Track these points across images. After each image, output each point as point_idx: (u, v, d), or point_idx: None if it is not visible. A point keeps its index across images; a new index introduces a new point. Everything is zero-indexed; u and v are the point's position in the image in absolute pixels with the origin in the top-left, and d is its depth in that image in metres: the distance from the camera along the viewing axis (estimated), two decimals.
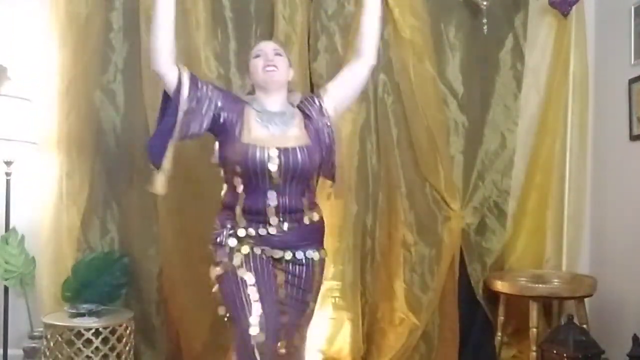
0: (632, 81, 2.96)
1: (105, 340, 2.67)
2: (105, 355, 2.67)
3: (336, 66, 3.07)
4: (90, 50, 3.02)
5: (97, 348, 2.65)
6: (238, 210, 2.08)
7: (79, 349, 2.64)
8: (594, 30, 3.29)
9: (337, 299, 3.09)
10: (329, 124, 2.19)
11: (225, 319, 2.07)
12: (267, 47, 2.21)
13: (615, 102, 3.08)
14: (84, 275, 2.88)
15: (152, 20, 2.06)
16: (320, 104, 2.21)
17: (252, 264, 2.05)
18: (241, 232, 2.07)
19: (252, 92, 2.23)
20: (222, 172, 2.17)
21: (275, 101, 2.17)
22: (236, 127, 2.10)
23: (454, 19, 3.19)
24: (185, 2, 2.99)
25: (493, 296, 3.09)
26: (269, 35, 3.07)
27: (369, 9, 2.24)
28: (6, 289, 2.98)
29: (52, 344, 2.67)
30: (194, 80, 2.07)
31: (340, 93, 2.25)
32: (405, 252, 3.14)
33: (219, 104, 2.10)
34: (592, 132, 3.26)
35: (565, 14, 3.13)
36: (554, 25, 3.22)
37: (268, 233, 2.07)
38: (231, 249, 2.06)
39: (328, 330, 3.08)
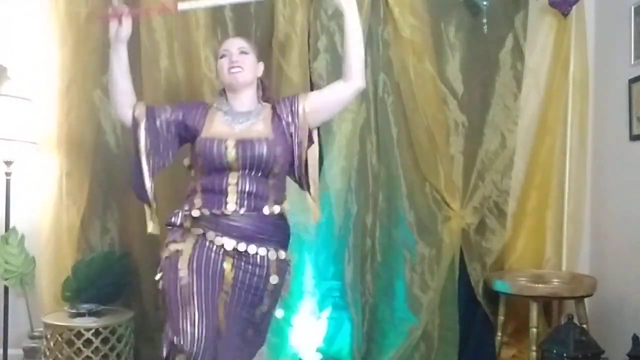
0: (632, 81, 2.96)
1: (105, 340, 2.67)
2: (105, 355, 2.67)
3: (336, 66, 3.09)
4: (90, 50, 3.01)
5: (97, 348, 2.65)
6: (197, 194, 2.07)
7: (79, 349, 2.64)
8: (594, 30, 3.29)
9: (337, 298, 3.10)
10: (296, 125, 2.15)
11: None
12: (232, 46, 2.19)
13: (615, 102, 3.08)
14: (84, 275, 2.88)
15: (109, 75, 2.16)
16: (296, 107, 2.18)
17: (196, 261, 1.98)
18: (195, 213, 2.03)
19: (223, 92, 2.24)
20: (191, 174, 2.18)
21: (243, 100, 2.18)
22: (201, 129, 2.12)
23: (454, 19, 3.19)
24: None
25: (493, 296, 3.09)
26: (269, 35, 3.08)
27: (349, 34, 2.19)
28: (6, 289, 2.98)
29: (52, 344, 2.67)
30: (149, 116, 2.10)
31: (319, 105, 2.21)
32: (405, 252, 3.14)
33: (180, 117, 2.14)
34: (592, 132, 3.26)
35: (565, 14, 3.13)
36: (554, 25, 3.22)
37: (223, 214, 2.00)
38: (183, 230, 2.05)
39: (328, 330, 3.08)
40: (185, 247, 2.02)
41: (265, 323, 2.16)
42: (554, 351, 2.69)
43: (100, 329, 2.67)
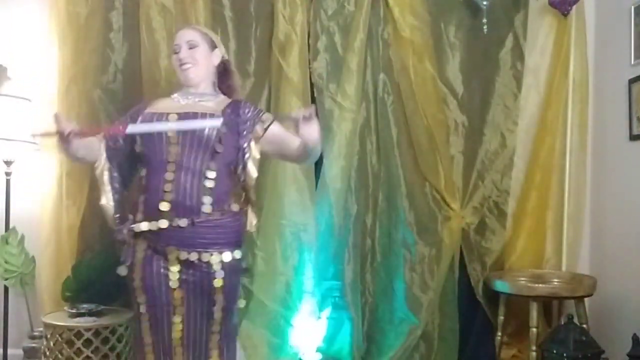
0: (632, 81, 2.96)
1: (105, 340, 2.67)
2: (105, 355, 2.67)
3: (336, 66, 3.09)
4: (90, 50, 3.02)
5: (97, 348, 2.65)
6: (141, 197, 2.02)
7: (79, 349, 2.63)
8: (594, 30, 3.29)
9: (337, 298, 3.10)
10: (248, 129, 2.04)
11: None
12: (182, 39, 2.11)
13: (615, 102, 3.08)
14: (84, 275, 2.88)
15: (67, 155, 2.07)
16: (256, 114, 2.09)
17: (147, 285, 1.98)
18: (137, 228, 1.97)
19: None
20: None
21: (196, 87, 2.12)
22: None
23: (454, 19, 3.19)
24: (185, 2, 3.00)
25: (493, 296, 3.09)
26: (269, 35, 3.08)
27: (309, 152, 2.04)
28: (6, 289, 2.98)
29: (52, 344, 2.67)
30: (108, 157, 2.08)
31: (273, 132, 2.10)
32: (405, 252, 3.14)
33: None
34: (592, 132, 3.26)
35: (565, 14, 3.13)
36: (554, 25, 3.22)
37: (159, 228, 1.94)
38: (133, 248, 2.01)
39: (328, 330, 3.08)
40: (136, 270, 2.01)
41: (227, 325, 2.07)
42: (554, 351, 2.68)
43: (100, 329, 2.66)
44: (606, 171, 3.19)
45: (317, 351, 3.04)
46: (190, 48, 2.10)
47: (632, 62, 2.96)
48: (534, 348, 2.82)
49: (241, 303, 2.16)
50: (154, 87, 2.98)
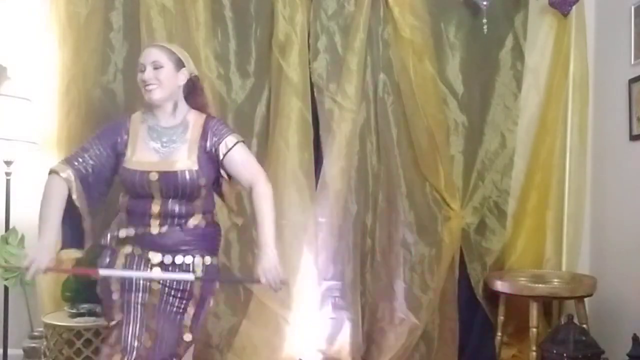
0: (632, 81, 2.96)
1: (105, 340, 2.66)
2: None
3: (336, 66, 3.09)
4: (90, 50, 3.02)
5: (97, 348, 2.64)
6: (124, 216, 2.11)
7: (79, 349, 2.63)
8: (594, 30, 3.29)
9: (337, 298, 3.10)
10: (219, 159, 2.11)
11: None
12: (147, 59, 2.08)
13: (615, 102, 3.08)
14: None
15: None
16: (220, 141, 2.11)
17: (127, 280, 2.04)
18: (122, 234, 2.07)
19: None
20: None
21: (166, 113, 2.12)
22: (124, 152, 2.10)
23: (454, 19, 3.19)
24: (185, 2, 3.00)
25: (493, 296, 3.09)
26: (269, 35, 3.08)
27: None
28: (6, 289, 2.98)
29: (52, 344, 2.67)
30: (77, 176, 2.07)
31: (233, 169, 2.14)
32: (405, 252, 3.14)
33: (107, 150, 2.10)
34: (592, 132, 3.26)
35: (565, 14, 3.14)
36: (554, 25, 3.22)
37: (148, 233, 2.04)
38: (113, 251, 2.09)
39: (328, 330, 3.08)
40: (117, 269, 2.07)
41: (195, 324, 2.11)
42: (554, 351, 2.68)
43: (100, 329, 2.66)
44: (606, 171, 3.19)
45: (317, 351, 3.04)
46: (155, 69, 2.07)
47: (632, 62, 2.96)
48: (534, 348, 2.82)
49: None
50: None
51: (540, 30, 3.25)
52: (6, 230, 2.97)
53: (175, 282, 2.04)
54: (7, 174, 2.97)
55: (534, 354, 2.82)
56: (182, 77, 2.13)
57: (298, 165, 3.04)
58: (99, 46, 3.04)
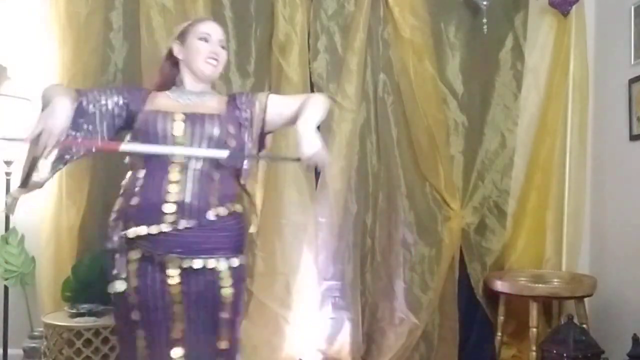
0: (632, 81, 2.96)
1: (105, 340, 2.67)
2: (105, 355, 2.67)
3: (336, 66, 3.09)
4: (90, 50, 3.02)
5: (97, 348, 2.65)
6: (134, 200, 1.82)
7: (79, 349, 2.63)
8: (594, 30, 3.29)
9: (337, 298, 3.10)
10: (250, 120, 1.96)
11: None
12: (215, 34, 2.00)
13: (615, 102, 3.08)
14: (84, 275, 2.88)
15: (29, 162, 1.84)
16: (253, 101, 2.00)
17: (143, 296, 1.78)
18: (131, 234, 1.78)
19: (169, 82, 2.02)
20: (126, 159, 1.96)
21: (198, 84, 2.01)
22: (138, 111, 1.90)
23: (454, 19, 3.19)
24: (185, 2, 3.00)
25: (493, 296, 3.09)
26: (269, 35, 3.08)
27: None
28: (6, 289, 2.98)
29: (52, 344, 2.67)
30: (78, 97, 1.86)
31: (275, 111, 2.00)
32: (405, 252, 3.14)
33: (121, 98, 1.92)
34: (592, 132, 3.26)
35: (565, 14, 3.13)
36: (554, 25, 3.22)
37: (161, 232, 1.77)
38: (126, 259, 1.82)
39: (328, 330, 3.08)
40: (130, 283, 1.82)
41: (232, 332, 1.91)
42: (554, 351, 2.68)
43: (100, 329, 2.66)
44: (606, 171, 3.19)
45: (317, 351, 3.04)
46: (221, 47, 2.01)
47: (632, 62, 2.96)
48: (534, 348, 2.82)
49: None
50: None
51: (540, 30, 3.24)
52: (6, 230, 2.97)
53: (201, 286, 1.80)
54: (7, 174, 2.97)
55: (534, 354, 2.82)
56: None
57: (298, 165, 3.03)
58: (99, 46, 3.04)
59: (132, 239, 1.79)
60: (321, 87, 3.10)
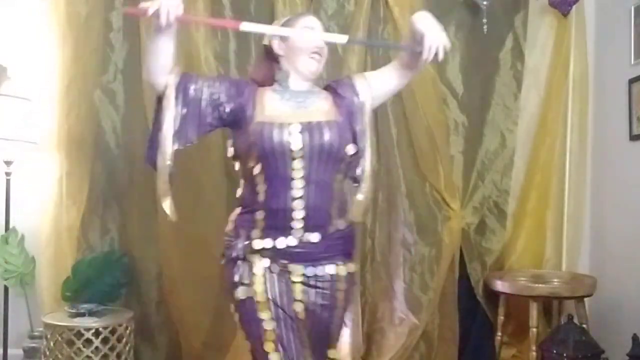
0: (632, 81, 2.96)
1: (105, 340, 2.67)
2: (105, 355, 2.67)
3: (336, 66, 3.09)
4: (90, 50, 3.02)
5: (97, 348, 2.65)
6: (259, 214, 1.77)
7: (79, 349, 2.64)
8: (594, 30, 3.29)
9: None
10: (362, 106, 1.88)
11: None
12: (317, 28, 1.91)
13: (615, 102, 3.08)
14: (84, 275, 2.88)
15: (152, 41, 1.77)
16: (354, 84, 1.92)
17: (273, 302, 1.75)
18: (257, 245, 1.76)
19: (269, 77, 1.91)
20: (237, 167, 1.89)
21: (303, 82, 1.90)
22: (247, 110, 1.80)
23: (454, 19, 3.19)
24: (185, 2, 2.99)
25: (493, 296, 3.09)
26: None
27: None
28: (6, 289, 2.98)
29: (52, 344, 2.67)
30: (182, 84, 1.80)
31: (377, 86, 1.95)
32: (405, 252, 3.14)
33: (220, 98, 1.81)
34: (592, 132, 3.26)
35: (565, 14, 3.14)
36: (554, 25, 3.22)
37: (288, 246, 1.75)
38: (249, 266, 1.77)
39: None
40: (257, 289, 1.76)
41: (338, 334, 1.94)
42: (554, 351, 2.68)
43: (100, 329, 2.67)
44: (606, 171, 3.19)
45: None
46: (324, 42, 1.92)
47: (632, 62, 2.96)
48: (534, 348, 2.82)
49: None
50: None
51: (540, 30, 3.25)
52: (6, 230, 2.97)
53: (321, 291, 1.80)
54: (7, 174, 2.97)
55: (534, 354, 2.82)
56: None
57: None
58: (99, 46, 3.04)
59: (258, 250, 1.77)
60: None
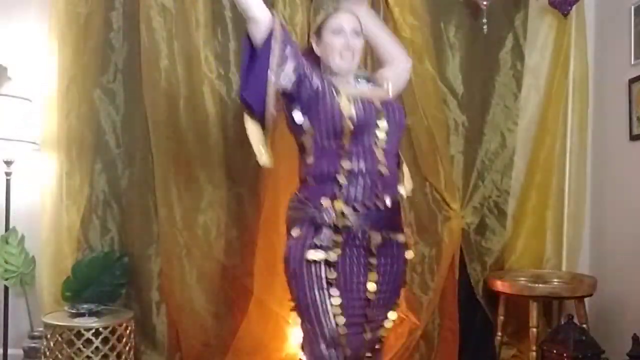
0: (632, 81, 2.96)
1: (105, 340, 2.67)
2: (105, 355, 2.67)
3: None
4: (90, 50, 3.02)
5: (97, 348, 2.65)
6: (341, 178, 1.87)
7: (79, 349, 2.64)
8: (594, 30, 3.29)
9: None
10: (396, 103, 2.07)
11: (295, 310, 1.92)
12: (348, 24, 1.99)
13: (615, 102, 3.08)
14: (84, 275, 2.88)
15: None
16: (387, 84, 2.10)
17: (344, 275, 1.86)
18: (347, 209, 1.85)
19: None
20: (303, 140, 1.99)
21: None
22: (324, 87, 1.91)
23: (454, 19, 3.19)
24: (185, 2, 3.00)
25: (493, 296, 3.09)
26: None
27: (370, 32, 2.17)
28: (6, 289, 2.98)
29: (52, 344, 2.67)
30: (286, 33, 1.89)
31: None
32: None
33: (304, 62, 1.90)
34: (592, 132, 3.26)
35: (565, 14, 3.13)
36: (554, 25, 3.22)
37: (377, 208, 1.88)
38: (328, 231, 1.84)
39: None
40: (332, 256, 1.85)
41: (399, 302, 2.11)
42: (554, 351, 2.68)
43: (100, 329, 2.67)
44: (606, 171, 3.19)
45: None
46: (357, 34, 2.02)
47: (632, 62, 2.96)
48: (534, 348, 2.82)
49: None
50: (154, 87, 2.98)
51: (540, 30, 3.24)
52: (6, 230, 2.97)
53: (394, 257, 1.96)
54: (7, 174, 2.97)
55: (534, 354, 2.82)
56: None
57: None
58: (99, 46, 3.04)
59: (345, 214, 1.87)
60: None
